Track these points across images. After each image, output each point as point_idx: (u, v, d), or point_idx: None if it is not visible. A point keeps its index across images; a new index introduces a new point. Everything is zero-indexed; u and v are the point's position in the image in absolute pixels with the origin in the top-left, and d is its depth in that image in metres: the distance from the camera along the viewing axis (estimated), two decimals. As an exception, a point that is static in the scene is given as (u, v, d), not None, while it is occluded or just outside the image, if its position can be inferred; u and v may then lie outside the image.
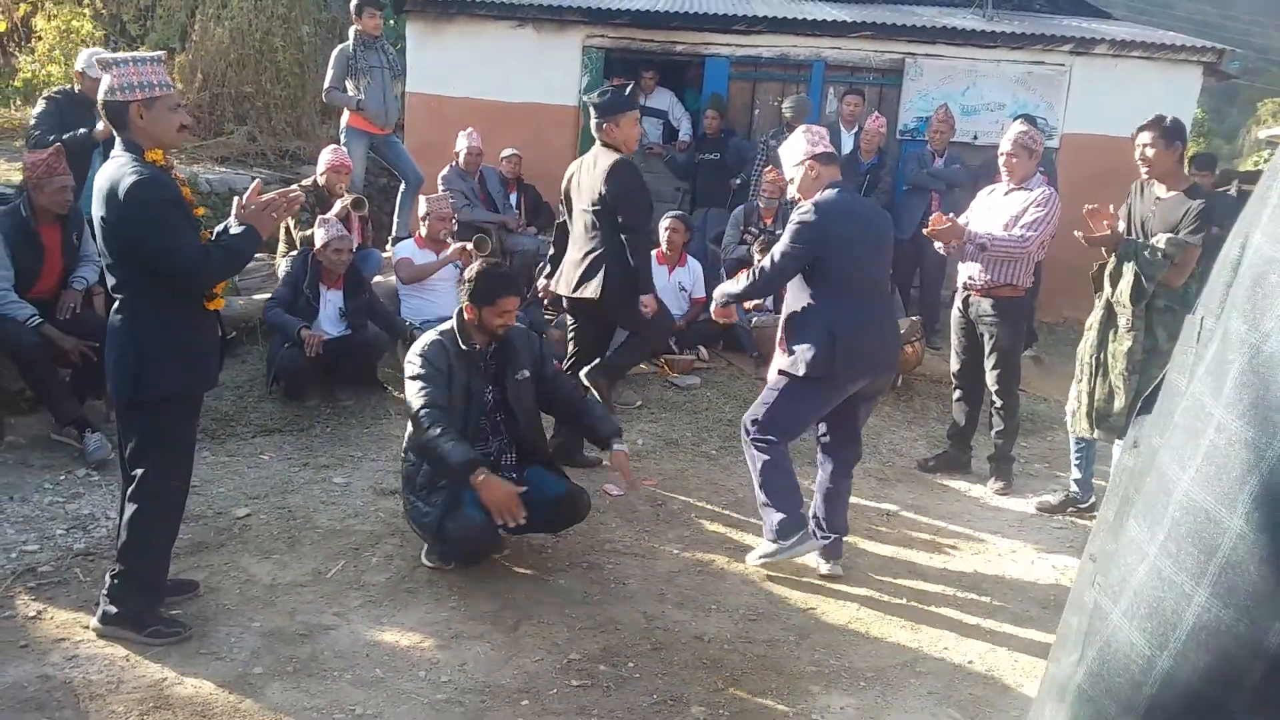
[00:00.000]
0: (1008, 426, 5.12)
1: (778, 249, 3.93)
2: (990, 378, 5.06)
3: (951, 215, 4.94)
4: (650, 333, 5.16)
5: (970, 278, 4.98)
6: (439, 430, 3.58)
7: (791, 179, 4.07)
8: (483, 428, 3.94)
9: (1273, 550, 0.83)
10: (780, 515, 3.93)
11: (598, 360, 5.04)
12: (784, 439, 3.97)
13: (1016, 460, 5.21)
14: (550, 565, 3.98)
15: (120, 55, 3.14)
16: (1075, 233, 4.39)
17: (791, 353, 3.88)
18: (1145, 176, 4.47)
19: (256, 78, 10.18)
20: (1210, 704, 0.88)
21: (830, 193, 3.92)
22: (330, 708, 3.00)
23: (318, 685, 3.11)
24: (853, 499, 4.98)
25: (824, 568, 4.07)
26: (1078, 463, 4.86)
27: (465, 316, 3.86)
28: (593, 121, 4.87)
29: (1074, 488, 4.92)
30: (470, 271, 3.87)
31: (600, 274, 4.78)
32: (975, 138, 8.32)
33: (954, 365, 5.29)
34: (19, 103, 9.90)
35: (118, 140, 3.16)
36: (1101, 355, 4.40)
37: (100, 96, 3.12)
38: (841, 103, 8.10)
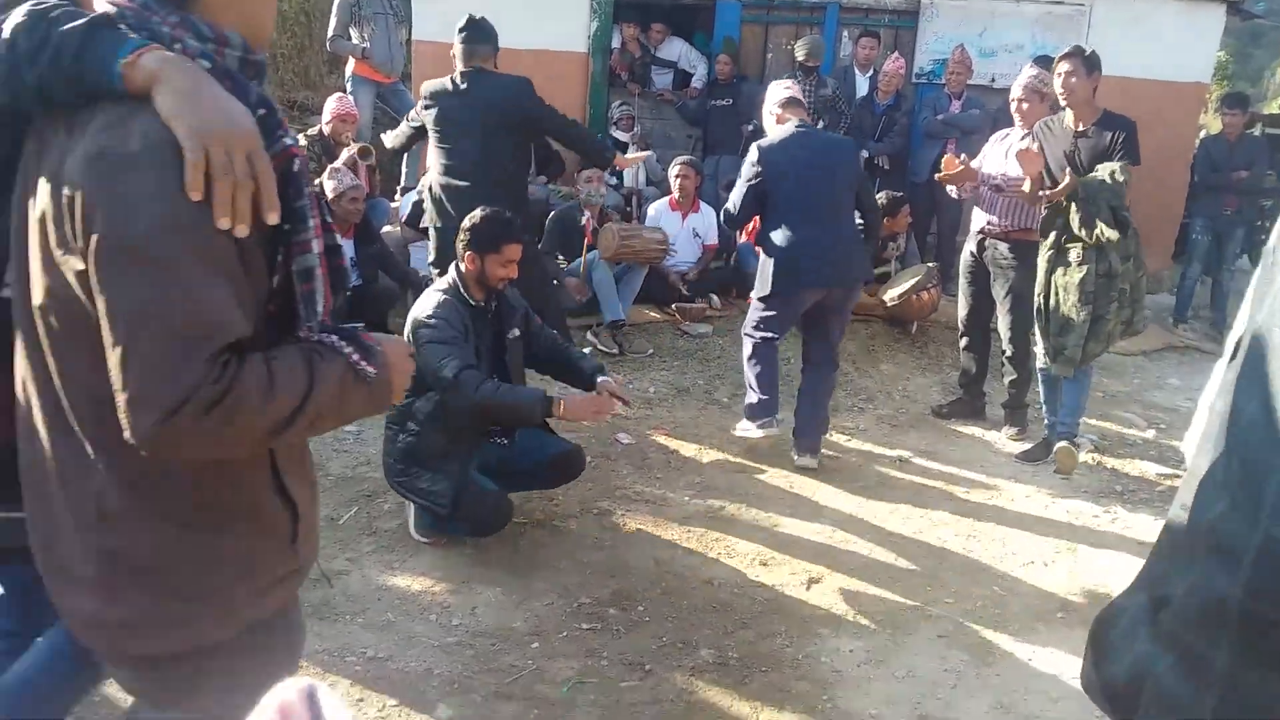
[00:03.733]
0: (1020, 374, 5.07)
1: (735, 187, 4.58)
2: (1002, 324, 5.00)
3: (964, 157, 4.86)
4: (546, 309, 4.61)
5: (989, 221, 4.92)
6: (492, 385, 3.39)
7: (766, 128, 4.66)
8: None
9: None
10: (756, 397, 4.57)
11: None
12: (768, 338, 4.55)
13: (1030, 406, 5.16)
14: (561, 511, 3.99)
15: None
16: (1041, 193, 4.42)
17: (760, 274, 4.53)
18: (1064, 103, 4.54)
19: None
20: None
21: (780, 130, 4.49)
22: (342, 650, 3.02)
23: (330, 628, 3.13)
24: (866, 445, 4.99)
25: (798, 459, 4.60)
26: (1047, 403, 4.82)
27: (465, 268, 3.59)
28: (464, 49, 4.84)
29: (1046, 431, 4.88)
30: (467, 220, 3.62)
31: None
32: (993, 80, 8.15)
33: (961, 311, 5.24)
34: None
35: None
36: (1050, 293, 4.49)
37: None
38: (856, 45, 7.94)
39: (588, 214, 6.41)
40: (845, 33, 8.48)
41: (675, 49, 8.88)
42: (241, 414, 1.25)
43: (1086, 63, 4.47)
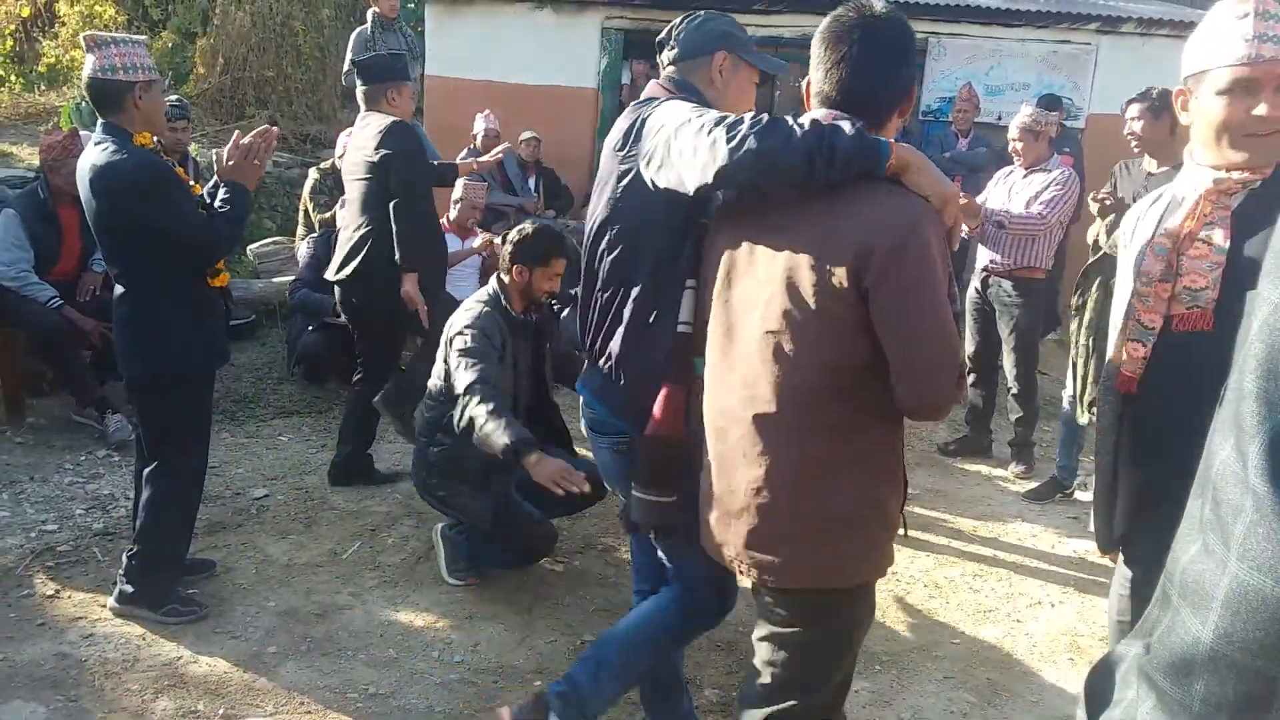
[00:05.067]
0: (1027, 413, 5.06)
1: None
2: (1008, 362, 4.99)
3: (967, 194, 4.88)
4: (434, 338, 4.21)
5: (992, 260, 4.93)
6: (491, 406, 3.18)
7: None
8: (528, 405, 3.73)
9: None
10: None
11: (389, 384, 4.34)
12: None
13: (1037, 444, 5.15)
14: (565, 547, 3.97)
15: (113, 35, 3.08)
16: (1089, 198, 4.36)
17: None
18: (1136, 151, 4.46)
19: (277, 62, 10.19)
20: (1255, 675, 0.87)
21: None
22: (344, 687, 3.01)
23: (332, 664, 3.12)
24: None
25: None
26: (1064, 445, 4.78)
27: (512, 279, 3.58)
28: (366, 89, 4.25)
29: (1058, 472, 4.85)
30: (515, 234, 3.61)
31: (364, 252, 4.14)
32: (1000, 118, 8.20)
33: (968, 348, 5.24)
34: (43, 87, 9.95)
35: (99, 124, 3.09)
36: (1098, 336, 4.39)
37: (94, 74, 3.01)
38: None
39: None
40: (853, 70, 8.55)
41: None
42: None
43: (1153, 107, 4.36)
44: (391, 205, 4.06)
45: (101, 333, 4.64)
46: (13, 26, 10.59)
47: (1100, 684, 1.11)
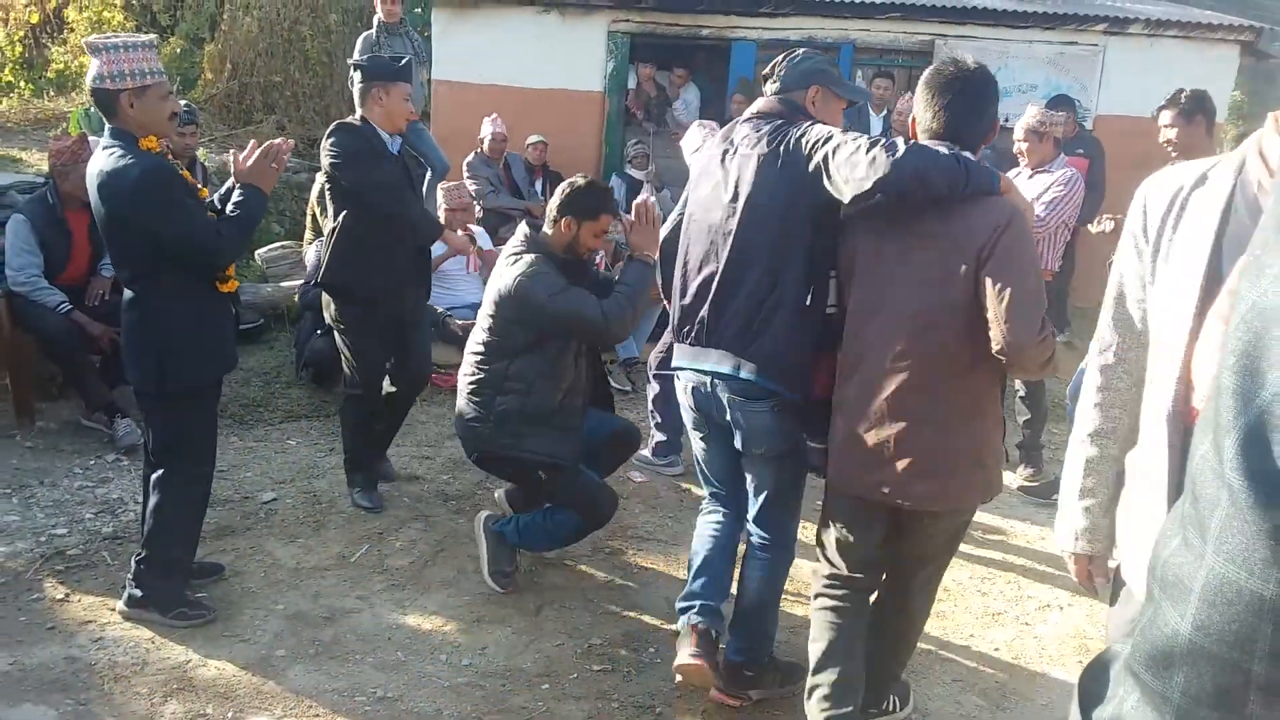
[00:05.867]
0: (1035, 415, 5.04)
1: None
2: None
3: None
4: (362, 376, 4.24)
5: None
6: (619, 299, 3.40)
7: None
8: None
9: (1257, 496, 0.84)
10: (661, 436, 4.83)
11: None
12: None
13: (1045, 447, 5.13)
14: (572, 551, 3.97)
15: (110, 39, 3.03)
16: (1104, 220, 4.31)
17: None
18: (1174, 157, 4.35)
19: (285, 67, 10.23)
20: (1231, 666, 0.88)
21: None
22: (352, 690, 3.01)
23: (340, 668, 3.12)
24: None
25: None
26: None
27: (559, 230, 3.51)
28: (357, 88, 4.20)
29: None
30: (566, 185, 3.56)
31: (328, 255, 4.12)
32: (1007, 120, 8.14)
33: None
34: (52, 93, 10.00)
35: (106, 129, 3.09)
36: None
37: (90, 83, 3.03)
38: (871, 86, 8.00)
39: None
40: (860, 73, 8.56)
41: (693, 94, 8.96)
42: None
43: (1184, 110, 4.27)
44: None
45: (111, 337, 4.66)
46: (21, 33, 10.65)
47: (1095, 681, 1.12)
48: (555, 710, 2.98)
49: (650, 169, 8.26)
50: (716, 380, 2.79)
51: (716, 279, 2.76)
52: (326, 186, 4.15)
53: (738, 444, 2.87)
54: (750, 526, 3.02)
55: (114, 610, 3.32)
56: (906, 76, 8.51)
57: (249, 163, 3.19)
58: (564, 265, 3.50)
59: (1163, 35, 8.23)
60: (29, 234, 4.72)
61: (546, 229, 3.58)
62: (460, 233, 6.29)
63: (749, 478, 2.96)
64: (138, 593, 3.27)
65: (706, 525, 3.15)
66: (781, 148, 2.64)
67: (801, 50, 2.91)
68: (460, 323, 6.09)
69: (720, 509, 3.15)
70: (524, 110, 8.29)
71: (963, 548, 4.24)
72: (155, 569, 3.27)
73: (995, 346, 2.33)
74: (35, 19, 10.80)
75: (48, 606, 3.37)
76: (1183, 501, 0.96)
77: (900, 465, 2.45)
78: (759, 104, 2.83)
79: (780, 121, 2.72)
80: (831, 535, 2.71)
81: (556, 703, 3.02)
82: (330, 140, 4.02)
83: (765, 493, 2.92)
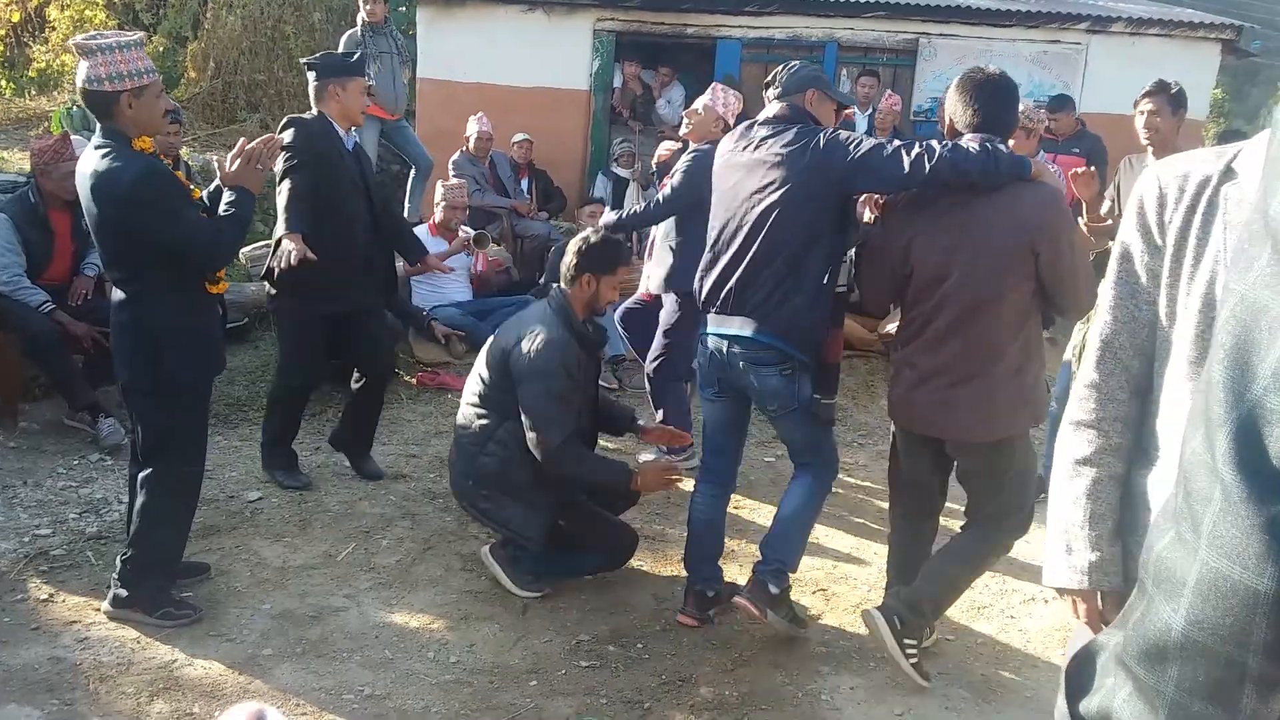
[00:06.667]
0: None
1: None
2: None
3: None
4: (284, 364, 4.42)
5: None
6: (589, 458, 3.57)
7: None
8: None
9: (1250, 491, 0.84)
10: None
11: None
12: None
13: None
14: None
15: (102, 40, 3.00)
16: (1079, 221, 4.33)
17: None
18: (1146, 143, 4.31)
19: (269, 65, 10.18)
20: (1226, 661, 0.88)
21: None
22: (339, 688, 3.01)
23: (327, 666, 3.11)
24: (865, 481, 4.97)
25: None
26: (1051, 444, 4.76)
27: (580, 287, 3.52)
28: (313, 86, 4.20)
29: (1043, 471, 4.84)
30: (579, 242, 3.57)
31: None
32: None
33: None
34: (33, 92, 9.93)
35: (98, 129, 3.07)
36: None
37: (82, 84, 3.00)
38: (855, 84, 8.03)
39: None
40: (844, 71, 8.59)
41: (678, 94, 8.97)
42: None
43: (1172, 101, 4.23)
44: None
45: (94, 337, 4.63)
46: (3, 31, 10.57)
47: (1081, 672, 1.13)
48: (544, 706, 2.99)
49: (635, 167, 8.26)
50: (734, 344, 3.20)
51: (746, 260, 3.15)
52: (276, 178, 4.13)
53: (756, 403, 3.34)
54: (794, 483, 3.43)
55: (99, 610, 3.31)
56: (892, 75, 8.54)
57: (233, 168, 3.19)
58: (581, 339, 3.53)
59: (1145, 34, 8.29)
60: (11, 233, 4.69)
61: (565, 287, 3.56)
62: (462, 234, 6.31)
63: (780, 432, 3.50)
64: (123, 593, 3.26)
65: (694, 503, 3.54)
66: (811, 145, 3.06)
67: (797, 61, 3.46)
68: (441, 329, 6.08)
69: (709, 482, 3.52)
70: (509, 109, 8.28)
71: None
72: (141, 569, 3.25)
73: (1060, 310, 3.02)
74: (16, 18, 10.72)
75: (32, 607, 3.35)
76: (1174, 496, 0.97)
77: (971, 407, 2.94)
78: (772, 109, 3.24)
79: (800, 125, 3.15)
80: (896, 467, 3.31)
81: (545, 699, 3.02)
82: (291, 128, 4.07)
83: (790, 440, 3.43)
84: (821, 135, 3.09)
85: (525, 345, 3.44)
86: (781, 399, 3.22)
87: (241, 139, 3.28)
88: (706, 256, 3.32)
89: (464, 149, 7.55)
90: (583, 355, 3.54)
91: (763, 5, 8.40)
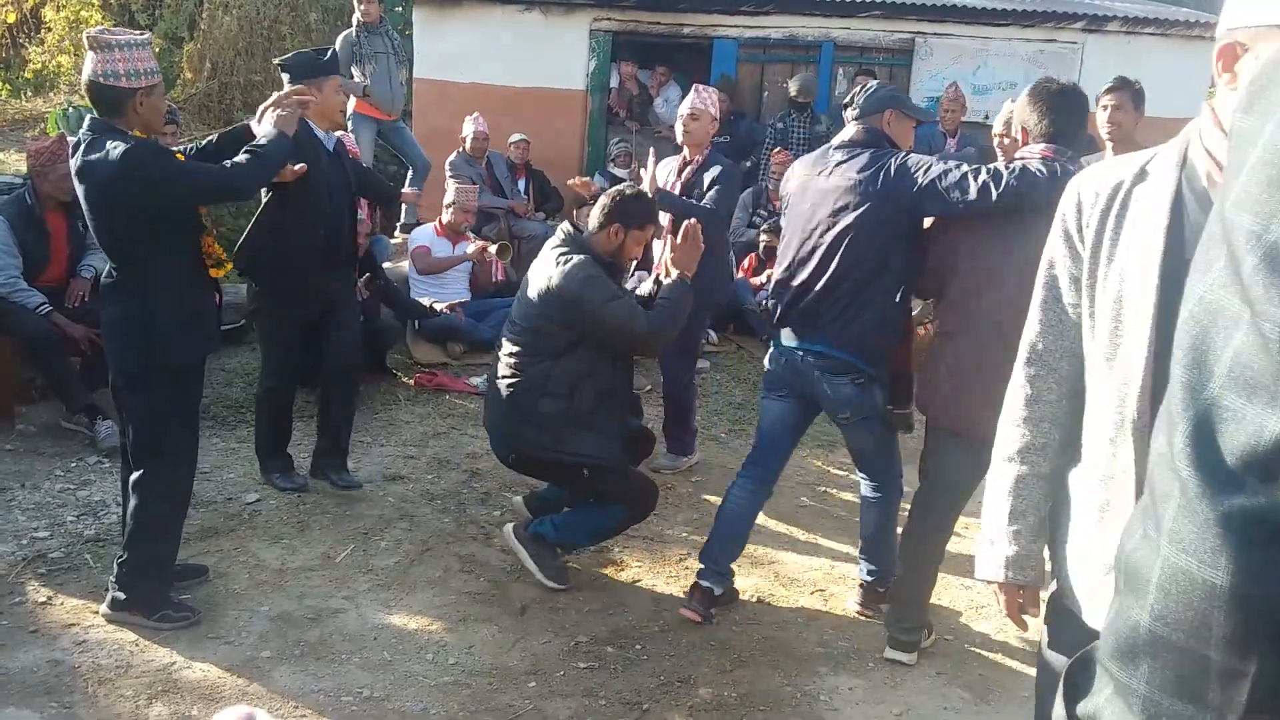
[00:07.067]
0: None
1: None
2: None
3: None
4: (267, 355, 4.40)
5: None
6: (658, 313, 3.53)
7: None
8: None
9: (1205, 487, 0.86)
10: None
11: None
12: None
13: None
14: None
15: (121, 36, 3.03)
16: None
17: None
18: (1108, 138, 4.32)
19: (265, 66, 10.17)
20: (1190, 655, 0.90)
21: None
22: (338, 690, 3.01)
23: (325, 668, 3.11)
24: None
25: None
26: None
27: (607, 236, 3.55)
28: (287, 88, 4.11)
29: None
30: (614, 192, 3.62)
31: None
32: (987, 117, 8.23)
33: None
34: (29, 94, 9.92)
35: (88, 119, 3.07)
36: None
37: (96, 77, 3.00)
38: (851, 84, 8.04)
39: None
40: (840, 71, 8.60)
41: (674, 93, 8.97)
42: None
43: (1135, 97, 4.27)
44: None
45: (91, 339, 4.62)
46: (-2, 32, 10.56)
47: (1081, 674, 1.13)
48: (542, 708, 2.99)
49: (632, 167, 8.26)
50: (810, 356, 3.33)
51: (820, 282, 3.27)
52: None
53: (826, 410, 3.45)
54: (860, 476, 3.59)
55: (97, 613, 3.30)
56: (888, 74, 8.55)
57: (265, 115, 3.29)
58: (608, 269, 3.55)
59: (1141, 33, 8.31)
60: (7, 235, 4.68)
61: (591, 230, 3.59)
62: (472, 247, 6.33)
63: (846, 439, 3.57)
64: (121, 595, 3.25)
65: (731, 494, 3.58)
66: (882, 172, 3.16)
67: (874, 81, 3.60)
68: (440, 306, 6.15)
69: (751, 476, 3.58)
70: (506, 109, 8.28)
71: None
72: (138, 571, 3.25)
73: None
74: (12, 18, 10.71)
75: (30, 610, 3.34)
76: (1145, 495, 0.98)
77: (989, 409, 3.03)
78: (848, 132, 3.34)
79: (873, 149, 3.24)
80: (928, 458, 3.29)
81: (543, 700, 3.02)
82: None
83: (860, 450, 3.50)
84: (893, 161, 3.17)
85: (566, 268, 3.46)
86: (854, 407, 3.32)
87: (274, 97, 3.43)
88: (781, 275, 3.43)
89: (460, 149, 7.55)
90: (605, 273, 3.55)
91: (759, 5, 8.40)
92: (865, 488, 3.56)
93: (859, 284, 3.21)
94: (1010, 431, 1.79)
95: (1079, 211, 1.61)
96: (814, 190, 3.31)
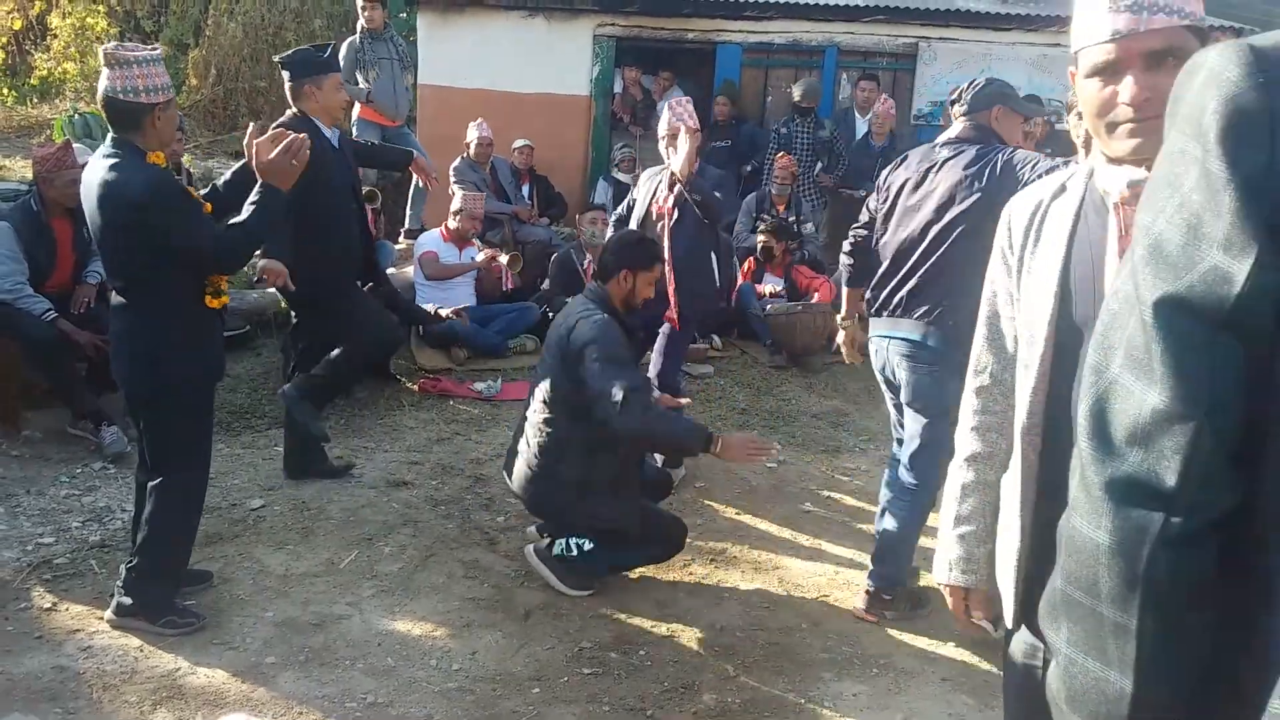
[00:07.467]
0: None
1: None
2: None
3: None
4: (356, 340, 4.38)
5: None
6: (656, 412, 3.53)
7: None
8: None
9: (1095, 456, 0.97)
10: None
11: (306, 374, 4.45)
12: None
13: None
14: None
15: (139, 53, 3.04)
16: None
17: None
18: (1081, 145, 4.37)
19: (270, 72, 10.21)
20: (1089, 613, 0.99)
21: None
22: (342, 696, 3.01)
23: (330, 674, 3.12)
24: (869, 486, 4.97)
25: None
26: None
27: (618, 283, 3.64)
28: (289, 86, 4.25)
29: None
30: (615, 241, 3.71)
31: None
32: (990, 122, 8.25)
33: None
34: (35, 100, 9.96)
35: (109, 138, 3.09)
36: None
37: (114, 93, 2.99)
38: (855, 88, 8.05)
39: (589, 256, 6.45)
40: (844, 75, 8.60)
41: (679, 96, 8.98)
42: None
43: None
44: None
45: (96, 345, 4.63)
46: (4, 39, 10.60)
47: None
48: (546, 714, 2.99)
49: (637, 172, 8.27)
50: (894, 343, 3.41)
51: (919, 273, 3.32)
52: None
53: (902, 398, 3.47)
54: (902, 470, 3.53)
55: (102, 619, 3.31)
56: (892, 79, 8.55)
57: (271, 156, 3.12)
58: (621, 325, 3.61)
59: (1144, 37, 8.28)
60: (13, 241, 4.69)
61: (603, 283, 3.66)
62: (482, 255, 6.34)
63: (906, 425, 3.54)
64: (127, 601, 3.26)
65: (883, 493, 3.63)
66: (989, 168, 3.17)
67: (983, 77, 3.54)
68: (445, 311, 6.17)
69: (893, 467, 3.63)
70: (510, 114, 8.30)
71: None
72: (146, 577, 3.25)
73: None
74: (18, 25, 10.76)
75: (35, 615, 3.35)
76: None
77: None
78: (956, 128, 3.38)
79: (979, 145, 3.25)
80: None
81: (547, 706, 3.02)
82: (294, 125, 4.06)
83: (916, 441, 3.45)
84: (999, 158, 3.18)
85: (578, 324, 3.52)
86: (927, 397, 3.37)
87: (279, 129, 3.29)
88: (886, 267, 3.47)
89: (465, 155, 7.57)
90: (625, 339, 3.60)
91: (762, 10, 8.41)
92: (903, 478, 3.51)
93: (958, 279, 3.16)
94: (962, 439, 1.88)
95: (1009, 230, 1.70)
96: (919, 185, 3.36)
